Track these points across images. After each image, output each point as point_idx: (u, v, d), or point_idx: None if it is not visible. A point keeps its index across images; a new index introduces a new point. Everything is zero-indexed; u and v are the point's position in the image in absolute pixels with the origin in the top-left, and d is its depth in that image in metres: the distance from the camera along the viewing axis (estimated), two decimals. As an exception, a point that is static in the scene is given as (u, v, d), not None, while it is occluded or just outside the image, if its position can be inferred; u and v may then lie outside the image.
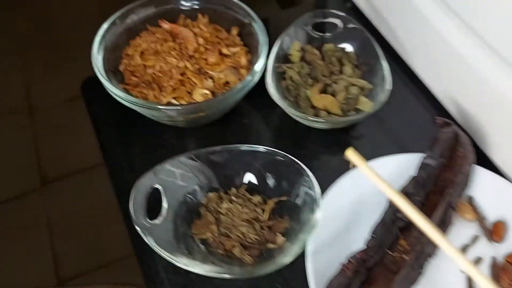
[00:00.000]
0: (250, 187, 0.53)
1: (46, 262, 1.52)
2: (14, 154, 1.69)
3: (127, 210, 0.48)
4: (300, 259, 0.46)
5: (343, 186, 0.51)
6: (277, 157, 0.51)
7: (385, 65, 0.58)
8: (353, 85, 0.58)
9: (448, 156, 0.52)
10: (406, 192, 0.50)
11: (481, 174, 0.53)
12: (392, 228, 0.47)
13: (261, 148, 0.52)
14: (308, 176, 0.49)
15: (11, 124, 1.76)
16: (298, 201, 0.50)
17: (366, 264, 0.44)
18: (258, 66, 0.54)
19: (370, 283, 0.43)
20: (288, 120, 0.60)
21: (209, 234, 0.49)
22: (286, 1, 1.54)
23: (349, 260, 0.44)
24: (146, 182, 0.48)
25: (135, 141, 0.62)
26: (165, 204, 0.49)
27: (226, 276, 0.44)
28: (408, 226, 0.47)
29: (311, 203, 0.48)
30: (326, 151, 0.59)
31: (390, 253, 0.45)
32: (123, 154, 0.60)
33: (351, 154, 0.44)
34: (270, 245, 0.48)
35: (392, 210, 0.48)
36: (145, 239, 0.45)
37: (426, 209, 0.48)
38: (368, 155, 0.57)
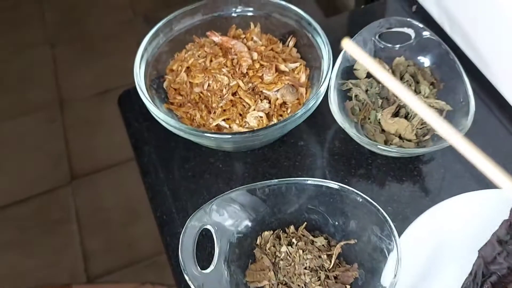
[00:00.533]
0: (311, 225, 0.47)
1: (76, 258, 1.50)
2: (44, 148, 1.67)
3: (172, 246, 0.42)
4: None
5: (420, 227, 0.44)
6: (345, 194, 0.44)
7: (467, 84, 0.50)
8: (431, 106, 0.50)
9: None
10: (499, 240, 0.42)
11: None
12: (485, 283, 0.40)
13: (329, 183, 0.45)
14: (384, 217, 0.42)
15: (42, 117, 1.74)
16: (369, 245, 0.43)
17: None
18: (323, 88, 0.47)
19: None
20: (350, 144, 0.53)
21: (266, 282, 0.43)
22: (330, 7, 1.43)
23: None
24: (195, 223, 0.42)
25: (178, 164, 0.56)
26: (217, 249, 0.43)
27: None
28: (503, 279, 0.40)
29: (386, 250, 0.41)
30: (395, 182, 0.52)
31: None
32: (165, 178, 0.54)
33: (347, 43, 0.34)
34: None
35: (484, 262, 0.41)
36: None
37: (525, 263, 0.41)
38: (445, 188, 0.50)
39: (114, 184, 1.74)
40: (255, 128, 0.49)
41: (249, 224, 0.46)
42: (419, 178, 0.52)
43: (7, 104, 1.75)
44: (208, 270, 0.41)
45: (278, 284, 0.43)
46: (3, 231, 1.50)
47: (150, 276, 1.59)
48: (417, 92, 0.51)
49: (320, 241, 0.45)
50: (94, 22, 1.89)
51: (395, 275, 0.39)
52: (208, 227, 0.43)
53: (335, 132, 0.55)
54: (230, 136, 0.47)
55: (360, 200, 0.43)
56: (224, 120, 0.50)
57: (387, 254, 0.41)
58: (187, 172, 0.54)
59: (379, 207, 0.43)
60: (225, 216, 0.45)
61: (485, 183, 0.47)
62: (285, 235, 0.46)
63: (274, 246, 0.45)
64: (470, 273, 0.41)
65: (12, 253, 1.47)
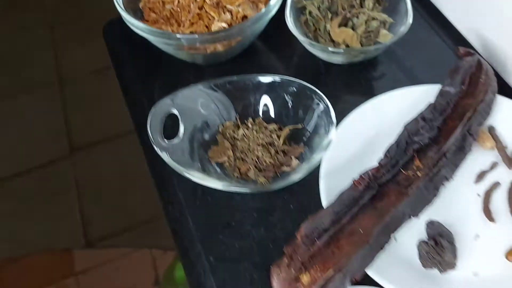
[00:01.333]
0: (267, 117, 0.54)
1: (75, 224, 1.58)
2: (45, 123, 1.74)
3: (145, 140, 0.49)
4: (314, 180, 0.47)
5: (361, 113, 0.51)
6: (293, 85, 0.52)
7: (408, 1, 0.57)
8: (374, 19, 0.57)
9: (468, 83, 0.51)
10: (423, 117, 0.49)
11: (503, 104, 0.51)
12: (407, 150, 0.47)
13: (278, 78, 0.52)
14: (321, 98, 0.50)
15: (41, 95, 1.81)
16: (313, 128, 0.50)
17: (378, 181, 0.44)
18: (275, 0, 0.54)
19: (380, 198, 0.43)
20: (308, 59, 0.60)
21: (225, 158, 0.50)
22: None
23: (361, 176, 0.44)
24: (163, 106, 0.50)
25: (155, 79, 0.63)
26: (182, 127, 0.50)
27: (240, 189, 0.45)
28: (425, 149, 0.47)
29: (327, 127, 0.48)
30: (345, 87, 0.59)
31: (404, 171, 0.45)
32: (142, 90, 0.61)
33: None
34: (285, 168, 0.48)
35: (408, 134, 0.48)
36: (160, 154, 0.46)
37: (443, 134, 0.48)
38: (388, 89, 0.57)
39: (112, 155, 1.81)
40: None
41: (215, 116, 0.53)
42: (365, 83, 0.59)
43: (7, 82, 1.83)
44: (173, 141, 0.48)
45: (235, 159, 0.50)
46: (4, 202, 1.57)
47: (147, 241, 1.66)
48: (362, 6, 0.58)
49: (273, 126, 0.52)
50: (91, 3, 1.96)
51: (329, 142, 0.47)
52: (174, 111, 0.50)
53: (295, 50, 0.62)
54: (196, 36, 0.54)
55: (303, 86, 0.50)
56: (192, 32, 0.57)
57: (328, 129, 0.48)
58: (163, 84, 0.62)
59: (322, 95, 0.50)
60: (195, 104, 0.52)
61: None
62: (244, 124, 0.53)
63: (233, 131, 0.52)
64: (395, 142, 0.48)
65: (12, 221, 1.54)
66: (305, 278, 0.38)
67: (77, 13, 1.98)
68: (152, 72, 0.64)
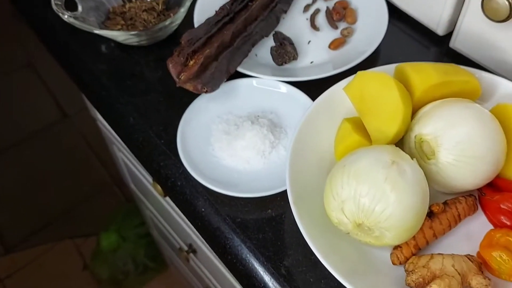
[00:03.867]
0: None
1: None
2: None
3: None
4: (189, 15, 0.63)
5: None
6: None
7: None
8: None
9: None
10: None
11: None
12: None
13: None
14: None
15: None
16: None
17: (233, 9, 0.61)
18: None
19: (238, 19, 0.60)
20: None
21: (119, 27, 0.64)
22: None
23: (220, 7, 0.61)
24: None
25: None
26: (79, 6, 0.63)
27: (136, 36, 0.60)
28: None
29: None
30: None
31: (250, 3, 0.63)
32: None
33: None
34: (168, 20, 0.64)
35: None
36: (67, 20, 0.59)
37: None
38: None
39: (13, 161, 1.81)
40: None
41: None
42: None
43: None
44: (76, 13, 0.61)
45: (127, 26, 0.64)
46: None
47: (67, 232, 1.68)
48: None
49: None
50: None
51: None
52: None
53: None
54: None
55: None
56: None
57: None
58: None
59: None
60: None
61: None
62: (129, 2, 0.67)
63: (122, 7, 0.66)
64: None
65: None
66: (191, 62, 0.54)
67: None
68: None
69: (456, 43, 0.61)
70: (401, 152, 0.45)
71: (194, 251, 0.92)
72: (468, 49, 0.59)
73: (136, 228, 1.47)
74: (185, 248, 0.94)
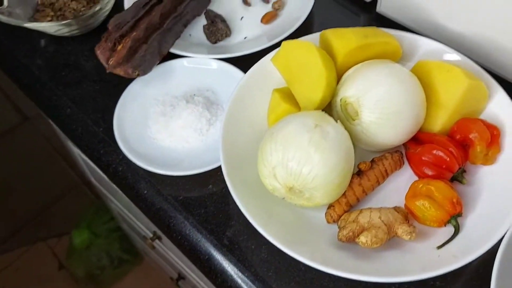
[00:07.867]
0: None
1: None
2: None
3: None
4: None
5: None
6: None
7: None
8: None
9: None
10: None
11: None
12: None
13: None
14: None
15: None
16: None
17: None
18: None
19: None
20: None
21: (49, 18, 0.63)
22: None
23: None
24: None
25: None
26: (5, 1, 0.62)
27: (67, 26, 0.59)
28: None
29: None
30: None
31: None
32: None
33: None
34: (97, 6, 0.63)
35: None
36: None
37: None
38: None
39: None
40: None
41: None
42: None
43: None
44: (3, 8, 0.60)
45: (57, 17, 0.64)
46: None
47: (39, 234, 1.67)
48: None
49: (82, -10, 0.67)
50: None
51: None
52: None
53: None
54: None
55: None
56: None
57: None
58: None
59: None
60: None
61: None
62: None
63: None
64: None
65: None
66: (119, 47, 0.54)
67: None
68: None
69: (382, 7, 0.62)
70: (326, 115, 0.46)
71: (159, 238, 0.93)
72: (393, 13, 0.61)
73: (106, 224, 1.47)
74: (150, 235, 0.95)
